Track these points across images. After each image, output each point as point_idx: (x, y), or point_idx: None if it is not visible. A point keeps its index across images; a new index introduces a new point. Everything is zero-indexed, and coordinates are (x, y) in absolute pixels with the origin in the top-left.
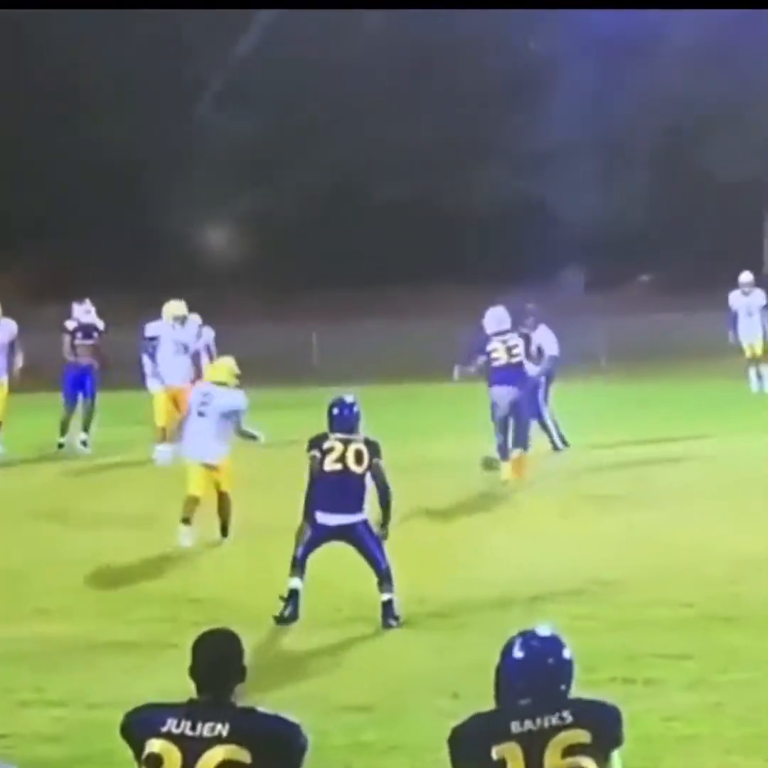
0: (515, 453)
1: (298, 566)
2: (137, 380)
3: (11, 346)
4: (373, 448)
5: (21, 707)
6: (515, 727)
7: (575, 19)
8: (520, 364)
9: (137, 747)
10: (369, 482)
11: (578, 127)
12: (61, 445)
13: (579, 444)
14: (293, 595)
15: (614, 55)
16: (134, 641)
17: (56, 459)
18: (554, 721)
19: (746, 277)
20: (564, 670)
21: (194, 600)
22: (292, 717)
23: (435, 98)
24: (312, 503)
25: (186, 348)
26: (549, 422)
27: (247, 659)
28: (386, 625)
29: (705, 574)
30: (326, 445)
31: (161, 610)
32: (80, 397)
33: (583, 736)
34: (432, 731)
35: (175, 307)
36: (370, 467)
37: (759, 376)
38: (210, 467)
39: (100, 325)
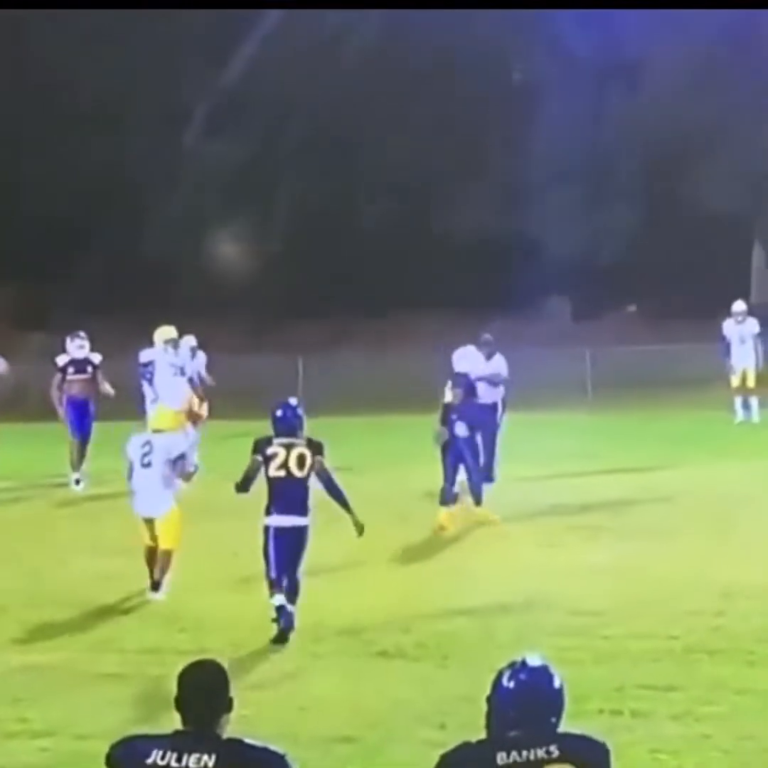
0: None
1: (275, 584)
2: (128, 409)
3: None
4: (316, 448)
5: (6, 738)
6: (501, 758)
7: (560, 48)
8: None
9: None
10: (314, 484)
11: (564, 156)
12: (77, 482)
13: (564, 473)
14: (280, 611)
15: (599, 84)
16: (119, 672)
17: (43, 488)
18: (541, 754)
19: (739, 305)
20: (554, 700)
21: (181, 630)
22: (278, 748)
23: (420, 125)
24: (238, 491)
25: (182, 371)
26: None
27: (233, 690)
28: (279, 625)
29: (690, 606)
30: (270, 451)
31: (147, 640)
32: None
33: None
34: (418, 762)
35: (165, 331)
36: (312, 469)
37: (747, 407)
38: (154, 522)
39: (96, 359)
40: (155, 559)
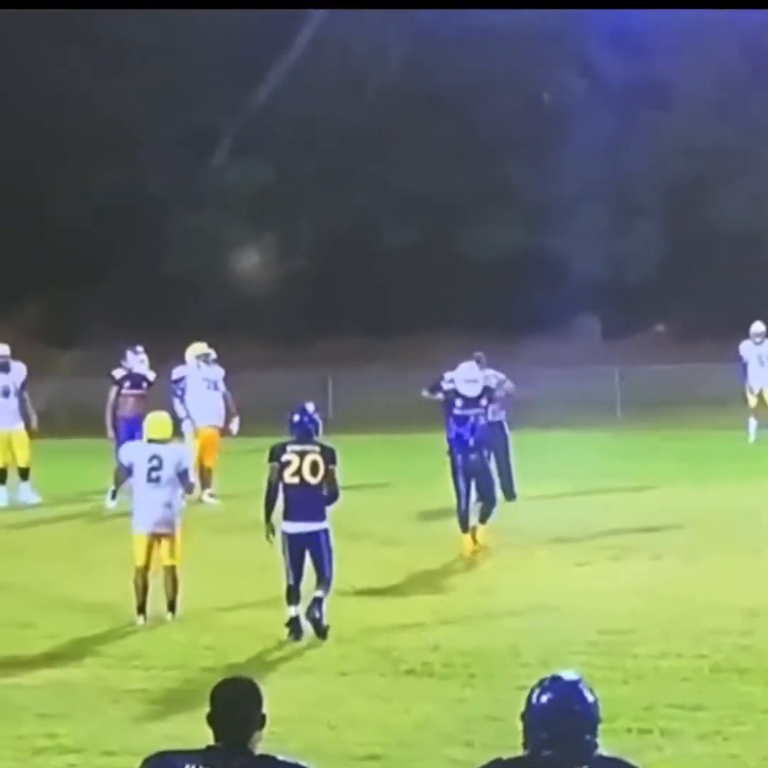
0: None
1: (293, 594)
2: None
3: (22, 390)
4: (329, 455)
5: (34, 754)
6: None
7: (587, 69)
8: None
9: None
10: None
11: (591, 176)
12: (113, 495)
13: (593, 492)
14: (293, 623)
15: (626, 105)
16: (146, 688)
17: (73, 504)
18: None
19: (758, 327)
20: (588, 717)
21: (207, 647)
22: (310, 765)
23: (446, 145)
24: (267, 512)
25: (215, 385)
26: None
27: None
28: (308, 615)
29: (717, 625)
30: (284, 458)
31: (173, 657)
32: None
33: None
34: None
35: (197, 347)
36: (325, 476)
37: (763, 426)
38: (158, 537)
39: (151, 375)
40: (147, 582)
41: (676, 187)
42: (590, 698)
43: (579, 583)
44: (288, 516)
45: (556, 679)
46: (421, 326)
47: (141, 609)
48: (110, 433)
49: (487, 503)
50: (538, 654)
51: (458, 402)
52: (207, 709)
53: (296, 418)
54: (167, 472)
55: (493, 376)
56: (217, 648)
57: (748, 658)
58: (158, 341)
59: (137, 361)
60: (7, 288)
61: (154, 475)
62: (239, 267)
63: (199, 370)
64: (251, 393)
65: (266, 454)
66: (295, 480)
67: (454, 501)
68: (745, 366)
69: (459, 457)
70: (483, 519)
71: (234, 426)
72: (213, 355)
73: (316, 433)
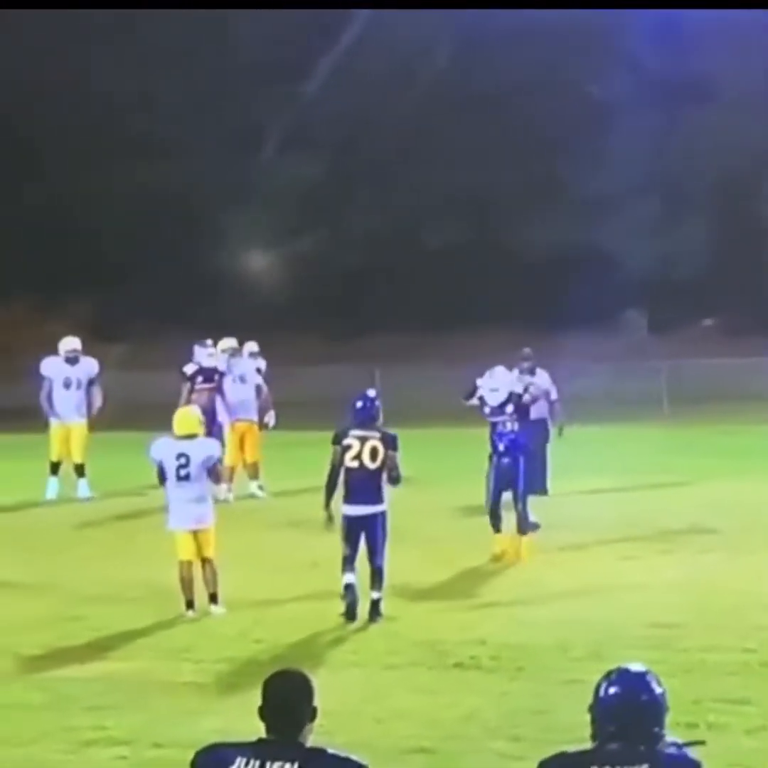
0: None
1: (347, 562)
2: None
3: (90, 385)
4: (390, 441)
5: (84, 746)
6: None
7: (635, 64)
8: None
9: None
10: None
11: (639, 172)
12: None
13: (641, 487)
14: (349, 589)
15: (673, 100)
16: (196, 681)
17: (124, 497)
18: None
19: None
20: (654, 708)
21: (257, 640)
22: (360, 759)
23: (494, 143)
24: (328, 494)
25: (242, 379)
26: None
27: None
28: (371, 620)
29: (766, 620)
30: (346, 442)
31: (223, 650)
32: None
33: None
34: None
35: (225, 341)
36: (385, 461)
37: None
38: (198, 533)
39: (223, 366)
40: (192, 576)
41: (724, 182)
42: (658, 690)
43: (627, 577)
44: (348, 499)
45: (623, 671)
46: (468, 322)
47: (189, 604)
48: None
49: (517, 513)
50: (586, 648)
51: (486, 409)
52: (257, 701)
53: (359, 404)
54: (195, 469)
55: (523, 379)
56: (267, 641)
57: None
58: (207, 335)
59: (206, 354)
60: (57, 283)
61: (182, 472)
62: (289, 262)
63: (228, 364)
64: (299, 388)
65: (317, 447)
66: (355, 464)
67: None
68: None
69: (493, 460)
70: (518, 529)
71: (269, 420)
72: (251, 347)
73: (377, 419)
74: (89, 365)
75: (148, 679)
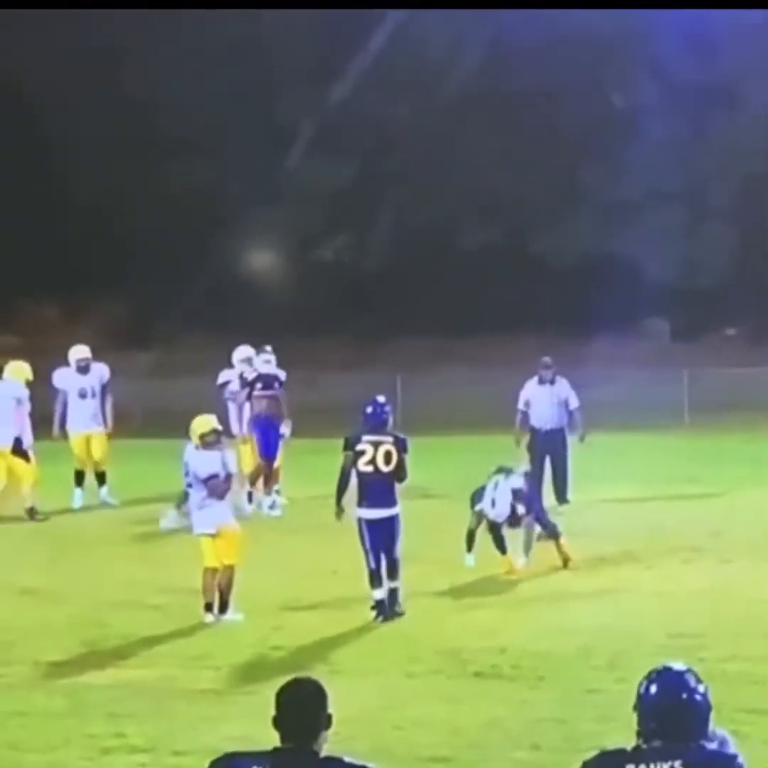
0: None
1: (375, 578)
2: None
3: (103, 392)
4: (401, 445)
5: (104, 754)
6: None
7: (660, 70)
8: None
9: None
10: None
11: (663, 179)
12: (271, 506)
13: (662, 495)
14: (379, 606)
15: (696, 106)
16: (215, 688)
17: (147, 504)
18: None
19: None
20: (697, 706)
21: (276, 647)
22: (376, 766)
23: (520, 148)
24: (339, 496)
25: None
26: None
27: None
28: (392, 613)
29: None
30: (359, 448)
31: (242, 658)
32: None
33: None
34: None
35: (241, 350)
36: (398, 464)
37: None
38: (215, 537)
39: (282, 375)
40: (215, 582)
41: (749, 190)
42: (700, 688)
43: (648, 585)
44: (363, 503)
45: (665, 670)
46: (493, 328)
47: (208, 607)
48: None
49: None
50: (608, 657)
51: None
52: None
53: (370, 409)
54: (194, 480)
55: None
56: (286, 648)
57: None
58: (232, 341)
59: (262, 361)
60: (87, 289)
61: (187, 480)
62: (314, 268)
63: (243, 374)
64: (322, 394)
65: (339, 454)
66: (370, 469)
67: None
68: None
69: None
70: (549, 537)
71: (285, 429)
72: (264, 357)
73: (388, 424)
74: (101, 371)
75: (168, 686)
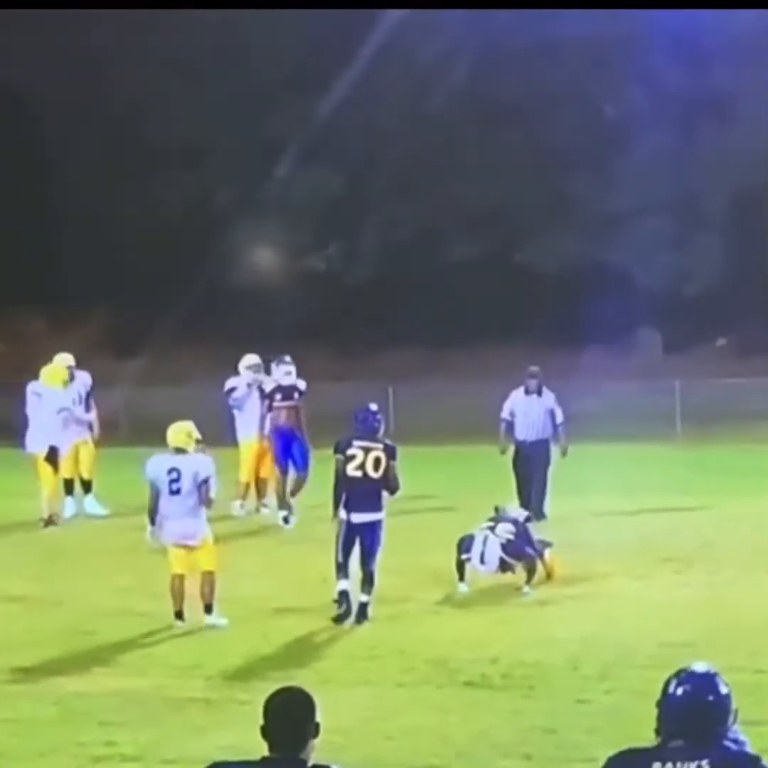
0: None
1: (341, 569)
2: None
3: (88, 399)
4: (390, 452)
5: (94, 762)
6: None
7: (650, 80)
8: None
9: None
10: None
11: (653, 189)
12: (285, 520)
13: (654, 506)
14: (343, 596)
15: (687, 116)
16: (206, 697)
17: (136, 513)
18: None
19: None
20: (720, 708)
21: (264, 656)
22: None
23: (509, 158)
24: (337, 501)
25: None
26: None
27: (318, 716)
28: (357, 622)
29: None
30: (349, 452)
31: (233, 667)
32: (291, 466)
33: None
34: None
35: (249, 358)
36: (387, 470)
37: None
38: (190, 548)
39: (302, 385)
40: (183, 588)
41: (739, 200)
42: (723, 690)
43: (639, 596)
44: (350, 506)
45: (691, 672)
46: (483, 338)
47: (178, 614)
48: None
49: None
50: (598, 667)
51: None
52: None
53: (362, 416)
54: (186, 484)
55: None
56: (276, 658)
57: None
58: (220, 351)
59: (282, 372)
60: (74, 298)
61: (174, 486)
62: (303, 278)
63: (246, 381)
64: (313, 405)
65: (330, 463)
66: (359, 474)
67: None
68: None
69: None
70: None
71: None
72: (285, 368)
73: (379, 431)
74: (84, 379)
75: (158, 695)
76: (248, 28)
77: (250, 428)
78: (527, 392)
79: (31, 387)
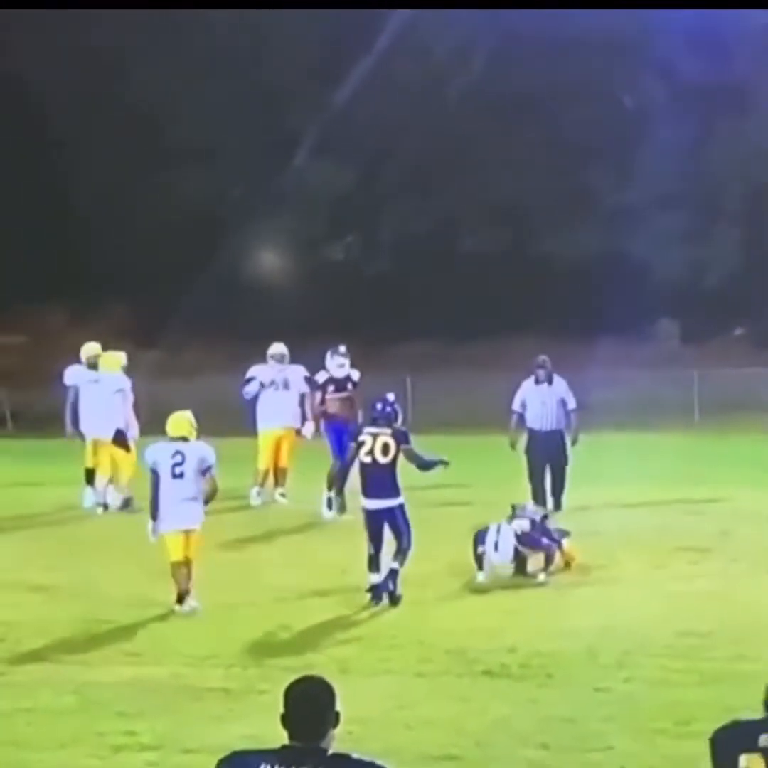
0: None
1: (373, 562)
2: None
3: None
4: (401, 437)
5: (113, 751)
6: (764, 740)
7: (669, 72)
8: None
9: None
10: (401, 468)
11: (671, 180)
12: (330, 505)
13: (671, 495)
14: (374, 589)
15: (707, 109)
16: (225, 686)
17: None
18: None
19: None
20: None
21: (283, 646)
22: (385, 764)
23: (526, 151)
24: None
25: (285, 385)
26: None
27: (338, 705)
28: (389, 597)
29: None
30: (360, 439)
31: (252, 656)
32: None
33: None
34: None
35: (274, 347)
36: (397, 456)
37: None
38: (189, 532)
39: (356, 375)
40: (188, 572)
41: (757, 191)
42: None
43: (656, 586)
44: (365, 493)
45: None
46: (500, 330)
47: (181, 599)
48: (321, 430)
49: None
50: (616, 656)
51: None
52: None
53: (378, 405)
54: (191, 467)
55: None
56: (295, 647)
57: None
58: (238, 343)
59: (335, 365)
60: (94, 293)
61: (177, 470)
62: (319, 271)
63: (269, 370)
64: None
65: None
66: (368, 459)
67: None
68: None
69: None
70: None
71: (306, 431)
72: (338, 360)
73: (395, 420)
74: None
75: (177, 684)
76: (264, 24)
77: (270, 417)
78: (537, 382)
79: (86, 376)
